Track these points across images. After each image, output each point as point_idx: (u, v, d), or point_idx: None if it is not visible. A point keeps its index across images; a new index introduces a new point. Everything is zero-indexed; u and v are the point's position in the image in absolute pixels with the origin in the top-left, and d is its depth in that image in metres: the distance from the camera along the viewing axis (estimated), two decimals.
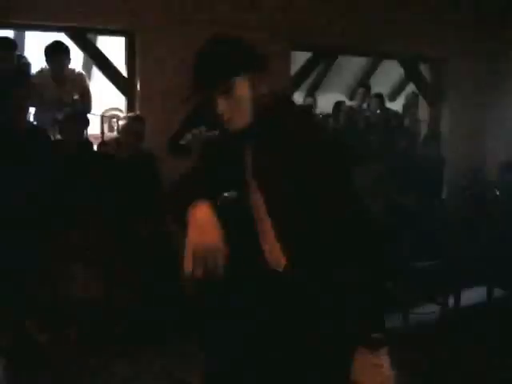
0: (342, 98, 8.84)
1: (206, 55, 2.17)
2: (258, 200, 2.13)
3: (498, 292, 5.99)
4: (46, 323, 4.80)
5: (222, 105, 2.09)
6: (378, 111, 7.64)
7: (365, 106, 7.83)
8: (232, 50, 2.13)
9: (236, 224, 2.17)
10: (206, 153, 2.51)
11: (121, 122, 6.20)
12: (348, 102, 8.59)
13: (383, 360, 2.05)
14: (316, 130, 2.15)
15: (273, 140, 2.07)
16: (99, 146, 5.89)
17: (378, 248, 2.02)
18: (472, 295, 5.95)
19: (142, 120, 5.44)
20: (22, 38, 7.64)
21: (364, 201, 2.09)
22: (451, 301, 5.65)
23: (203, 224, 2.02)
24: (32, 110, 5.82)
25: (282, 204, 2.06)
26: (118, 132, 6.14)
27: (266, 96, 2.14)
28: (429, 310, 5.63)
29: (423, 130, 7.89)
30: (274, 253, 2.11)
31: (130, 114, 5.74)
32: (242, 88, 2.09)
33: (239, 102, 2.08)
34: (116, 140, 5.76)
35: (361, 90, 7.93)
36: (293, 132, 2.06)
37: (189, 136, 3.90)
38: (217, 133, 3.11)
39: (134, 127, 5.37)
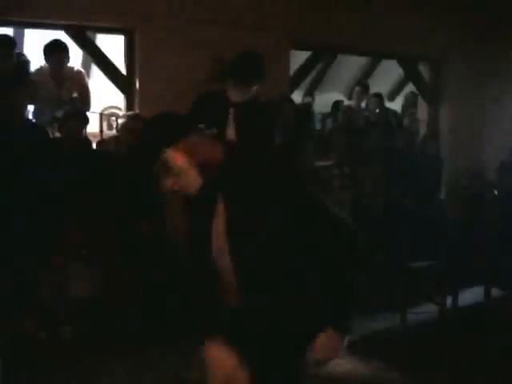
0: (340, 97, 8.85)
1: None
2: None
3: (495, 292, 6.00)
4: (44, 322, 4.80)
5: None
6: (377, 111, 7.63)
7: (363, 105, 7.83)
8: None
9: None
10: None
11: (120, 121, 6.19)
12: (347, 102, 8.59)
13: (341, 345, 2.29)
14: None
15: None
16: (98, 144, 5.88)
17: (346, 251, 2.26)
18: (470, 295, 5.95)
19: (141, 118, 5.43)
20: (22, 36, 7.62)
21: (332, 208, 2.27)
22: (449, 301, 5.65)
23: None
24: (31, 107, 5.82)
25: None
26: (117, 130, 6.13)
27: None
28: (427, 310, 5.63)
29: (422, 129, 7.88)
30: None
31: (129, 113, 5.74)
32: None
33: None
34: (115, 138, 5.76)
35: (358, 89, 7.91)
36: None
37: None
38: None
39: (133, 126, 5.36)
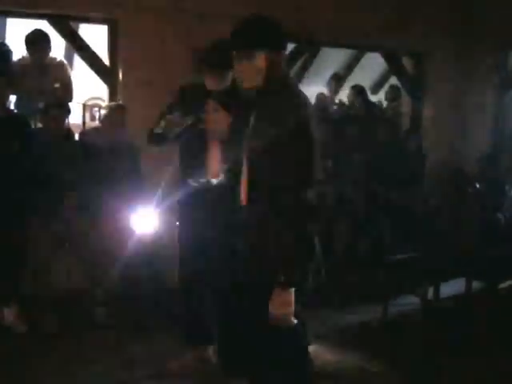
0: (324, 90, 8.83)
1: (240, 28, 2.93)
2: None
3: (476, 284, 6.04)
4: (25, 313, 4.78)
5: (239, 69, 2.87)
6: (358, 103, 7.64)
7: (342, 97, 7.83)
8: (260, 28, 2.90)
9: None
10: None
11: (102, 111, 6.16)
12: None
13: (290, 298, 2.59)
14: (289, 110, 2.70)
15: (262, 106, 2.77)
16: (80, 134, 5.85)
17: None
18: (451, 287, 5.99)
19: (123, 109, 5.41)
20: (4, 25, 7.56)
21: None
22: (430, 293, 5.69)
23: None
24: (13, 98, 5.77)
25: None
26: (100, 121, 6.11)
27: (274, 71, 2.80)
28: (408, 302, 5.67)
29: (405, 123, 7.92)
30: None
31: (110, 103, 5.70)
32: (260, 60, 2.78)
33: (255, 70, 2.79)
34: (97, 129, 5.73)
35: (331, 80, 7.88)
36: (274, 106, 2.71)
37: (162, 123, 3.90)
38: (191, 119, 3.68)
39: (114, 116, 5.34)
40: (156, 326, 4.83)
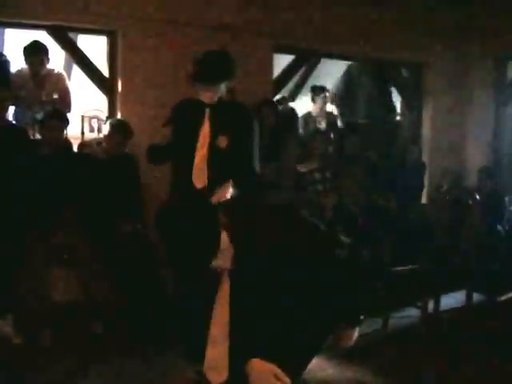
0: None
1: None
2: None
3: (477, 297, 6.02)
4: (21, 324, 4.74)
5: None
6: None
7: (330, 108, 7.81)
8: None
9: None
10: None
11: (102, 124, 6.12)
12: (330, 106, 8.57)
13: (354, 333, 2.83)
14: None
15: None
16: (79, 146, 5.83)
17: None
18: (451, 300, 5.97)
19: (124, 125, 5.36)
20: (2, 36, 7.56)
21: None
22: (431, 305, 5.66)
23: None
24: (11, 109, 5.75)
25: None
26: (99, 132, 6.08)
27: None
28: (409, 314, 5.64)
29: (404, 134, 7.91)
30: None
31: (112, 119, 5.63)
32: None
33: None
34: (96, 141, 5.70)
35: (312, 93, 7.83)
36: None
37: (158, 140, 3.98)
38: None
39: (115, 135, 5.30)
40: (154, 339, 4.78)
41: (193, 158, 4.01)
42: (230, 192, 3.87)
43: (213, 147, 4.00)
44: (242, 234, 2.62)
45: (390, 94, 8.02)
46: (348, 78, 8.08)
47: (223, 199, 3.76)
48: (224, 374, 2.69)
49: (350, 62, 8.13)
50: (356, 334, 2.86)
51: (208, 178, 3.97)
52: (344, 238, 2.79)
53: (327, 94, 7.92)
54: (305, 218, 2.76)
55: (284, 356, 2.53)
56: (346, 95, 7.94)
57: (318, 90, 7.65)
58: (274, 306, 2.57)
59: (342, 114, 7.67)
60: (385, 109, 7.95)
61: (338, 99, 7.85)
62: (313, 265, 2.59)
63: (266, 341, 2.56)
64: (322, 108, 7.62)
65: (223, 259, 2.62)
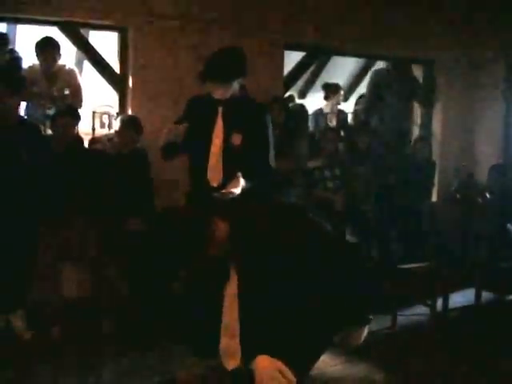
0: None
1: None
2: None
3: (486, 295, 6.01)
4: (32, 320, 4.77)
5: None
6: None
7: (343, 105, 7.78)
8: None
9: None
10: None
11: (113, 120, 6.15)
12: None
13: (363, 333, 2.89)
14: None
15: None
16: (90, 142, 5.85)
17: None
18: (460, 298, 5.96)
19: (135, 122, 5.36)
20: (14, 32, 7.59)
21: None
22: (440, 303, 5.66)
23: None
24: (23, 105, 5.78)
25: None
26: (110, 128, 6.10)
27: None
28: (417, 312, 5.63)
29: (415, 131, 7.89)
30: None
31: (123, 116, 5.63)
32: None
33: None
34: (107, 137, 5.73)
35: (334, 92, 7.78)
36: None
37: (168, 135, 3.97)
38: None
39: (127, 131, 5.30)
40: (164, 334, 4.80)
41: (207, 156, 4.02)
42: (241, 185, 3.84)
43: (227, 145, 4.00)
44: (249, 232, 2.64)
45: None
46: (376, 84, 7.97)
47: (232, 192, 3.76)
48: (238, 359, 2.80)
49: (377, 68, 8.10)
50: (365, 333, 2.88)
51: (223, 176, 3.97)
52: (351, 238, 2.74)
53: (341, 92, 7.93)
54: (313, 220, 2.75)
55: (291, 353, 2.53)
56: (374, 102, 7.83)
57: (332, 88, 7.64)
58: (281, 305, 2.58)
59: (367, 121, 7.49)
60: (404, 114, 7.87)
61: (367, 106, 7.68)
62: (322, 264, 2.60)
63: (273, 338, 2.57)
64: (334, 106, 7.62)
65: (217, 248, 2.66)
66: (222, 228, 2.64)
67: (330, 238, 2.75)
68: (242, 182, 3.84)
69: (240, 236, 2.65)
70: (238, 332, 2.80)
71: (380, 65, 8.15)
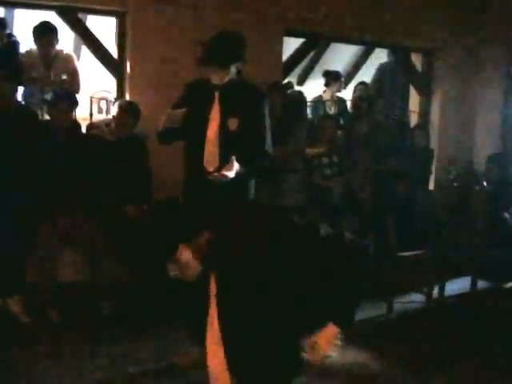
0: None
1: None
2: None
3: (482, 283, 6.03)
4: (30, 304, 4.78)
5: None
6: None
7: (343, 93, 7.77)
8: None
9: None
10: None
11: (111, 105, 6.12)
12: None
13: (339, 338, 2.75)
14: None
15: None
16: (87, 127, 5.84)
17: None
18: (456, 286, 5.98)
19: (133, 107, 5.33)
20: (12, 16, 7.56)
21: None
22: (436, 291, 5.68)
23: None
24: (20, 89, 5.77)
25: None
26: (107, 113, 6.08)
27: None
28: (414, 300, 5.66)
29: (413, 120, 7.88)
30: None
31: (120, 101, 5.60)
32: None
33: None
34: (104, 122, 5.70)
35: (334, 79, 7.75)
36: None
37: (165, 120, 3.93)
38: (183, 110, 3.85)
39: (124, 117, 5.27)
40: (163, 319, 4.81)
41: (203, 141, 4.00)
42: (235, 169, 3.83)
43: (224, 129, 3.99)
44: (225, 232, 2.61)
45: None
46: (381, 76, 7.97)
47: (226, 175, 3.76)
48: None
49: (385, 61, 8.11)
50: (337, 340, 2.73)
51: (220, 162, 3.94)
52: (348, 234, 2.64)
53: (342, 80, 7.90)
54: (292, 219, 2.66)
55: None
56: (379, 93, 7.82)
57: (333, 76, 7.61)
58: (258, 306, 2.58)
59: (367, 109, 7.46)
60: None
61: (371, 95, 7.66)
62: (311, 265, 2.56)
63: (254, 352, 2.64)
64: (334, 93, 7.60)
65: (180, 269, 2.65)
66: (204, 236, 2.61)
67: (315, 237, 2.61)
68: (236, 165, 3.83)
69: (217, 237, 2.61)
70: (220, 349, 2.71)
71: (378, 52, 8.15)
